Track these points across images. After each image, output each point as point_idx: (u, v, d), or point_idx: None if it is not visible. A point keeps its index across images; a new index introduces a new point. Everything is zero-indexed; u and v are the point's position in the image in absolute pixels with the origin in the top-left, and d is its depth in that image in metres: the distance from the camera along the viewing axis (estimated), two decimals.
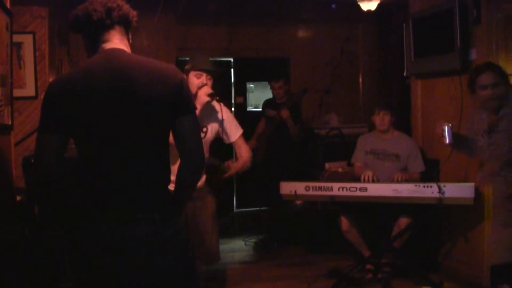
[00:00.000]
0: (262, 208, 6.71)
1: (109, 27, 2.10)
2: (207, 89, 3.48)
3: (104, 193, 2.02)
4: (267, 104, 6.21)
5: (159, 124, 2.05)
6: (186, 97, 2.10)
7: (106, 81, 1.98)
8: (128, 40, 2.20)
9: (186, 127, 2.08)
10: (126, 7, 2.13)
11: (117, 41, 2.12)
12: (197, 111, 3.39)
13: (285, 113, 5.69)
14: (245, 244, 5.97)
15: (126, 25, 2.17)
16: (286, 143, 5.88)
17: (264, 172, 5.84)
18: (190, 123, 2.10)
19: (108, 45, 2.10)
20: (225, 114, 3.63)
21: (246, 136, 3.87)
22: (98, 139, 2.00)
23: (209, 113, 3.62)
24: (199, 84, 3.48)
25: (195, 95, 3.46)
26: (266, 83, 6.29)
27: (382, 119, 4.74)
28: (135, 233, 1.98)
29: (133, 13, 2.17)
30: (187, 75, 3.53)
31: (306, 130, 6.28)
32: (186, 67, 3.57)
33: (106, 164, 2.01)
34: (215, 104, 3.60)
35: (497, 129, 3.43)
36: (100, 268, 1.99)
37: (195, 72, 3.51)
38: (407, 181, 4.39)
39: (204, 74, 3.51)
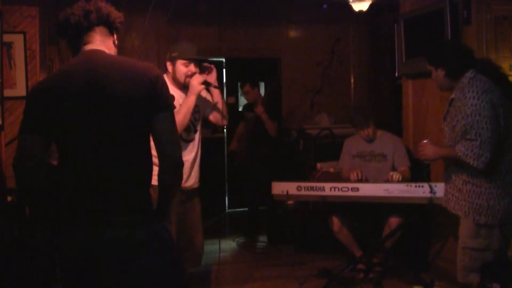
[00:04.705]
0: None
1: (88, 29, 2.10)
2: (199, 78, 3.36)
3: (81, 195, 2.00)
4: (246, 107, 6.36)
5: (135, 124, 2.02)
6: (162, 94, 2.06)
7: (80, 82, 1.98)
8: (113, 41, 2.20)
9: (161, 126, 2.04)
10: (106, 9, 2.12)
11: (98, 43, 2.12)
12: (194, 101, 3.32)
13: (259, 109, 5.80)
14: (237, 244, 5.97)
15: (108, 26, 2.16)
16: (265, 141, 5.95)
17: (247, 173, 5.95)
18: (165, 121, 2.06)
19: (88, 47, 2.10)
20: (216, 97, 3.63)
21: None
22: (75, 140, 2.00)
23: (206, 99, 3.63)
24: (188, 73, 3.40)
25: (185, 84, 3.41)
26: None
27: (367, 134, 4.74)
28: (110, 236, 1.96)
29: (116, 14, 2.16)
30: (174, 63, 3.44)
31: (298, 130, 6.31)
32: (173, 54, 3.44)
33: (82, 166, 2.00)
34: (206, 93, 3.62)
35: (447, 114, 3.39)
36: (81, 271, 1.99)
37: (182, 61, 3.41)
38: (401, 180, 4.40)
39: (192, 63, 3.43)
